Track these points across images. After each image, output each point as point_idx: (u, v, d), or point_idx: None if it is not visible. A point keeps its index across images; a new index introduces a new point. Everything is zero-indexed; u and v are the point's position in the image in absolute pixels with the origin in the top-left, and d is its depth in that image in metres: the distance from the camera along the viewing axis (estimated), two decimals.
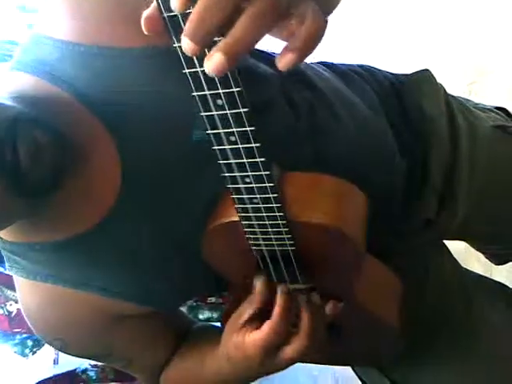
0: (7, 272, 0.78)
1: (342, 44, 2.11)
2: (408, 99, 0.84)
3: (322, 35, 0.42)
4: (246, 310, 0.66)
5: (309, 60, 0.81)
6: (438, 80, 0.88)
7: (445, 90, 0.87)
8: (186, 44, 0.38)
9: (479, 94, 0.98)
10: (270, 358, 0.66)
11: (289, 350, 0.65)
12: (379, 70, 0.88)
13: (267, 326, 0.64)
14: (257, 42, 0.40)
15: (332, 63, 0.85)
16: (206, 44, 0.39)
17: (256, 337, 0.65)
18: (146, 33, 0.42)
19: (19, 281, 0.75)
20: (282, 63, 0.41)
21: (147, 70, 0.64)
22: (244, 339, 0.66)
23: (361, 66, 0.87)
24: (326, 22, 0.43)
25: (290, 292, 0.65)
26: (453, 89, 0.91)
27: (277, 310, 0.64)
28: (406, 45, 2.09)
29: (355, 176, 0.62)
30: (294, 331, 0.65)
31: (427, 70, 0.88)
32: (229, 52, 0.38)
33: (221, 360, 0.71)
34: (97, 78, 0.65)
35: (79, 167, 0.66)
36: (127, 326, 0.77)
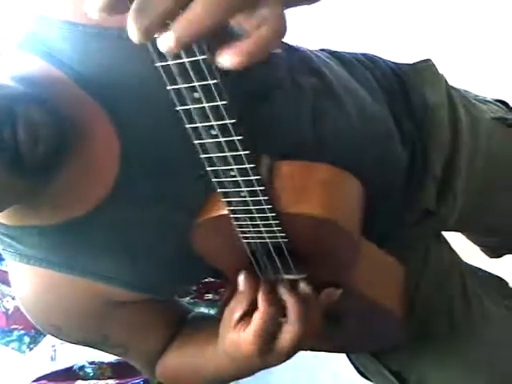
0: (4, 268, 0.77)
1: (345, 32, 2.12)
2: (410, 88, 0.84)
3: (277, 44, 0.39)
4: (237, 308, 0.66)
5: (312, 47, 0.81)
6: (440, 70, 0.88)
7: (446, 81, 0.87)
8: (131, 33, 0.37)
9: (480, 86, 0.98)
10: (267, 351, 0.66)
11: (282, 340, 0.65)
12: (382, 59, 0.88)
13: (255, 320, 0.64)
14: (211, 28, 0.36)
15: (335, 51, 0.85)
16: (150, 35, 0.37)
17: (248, 332, 0.64)
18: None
19: (13, 266, 0.75)
20: (225, 62, 0.38)
21: (145, 51, 0.63)
22: (239, 336, 0.66)
23: (363, 55, 0.86)
24: (286, 29, 0.39)
25: (271, 281, 0.64)
26: (454, 80, 0.91)
27: (260, 300, 0.63)
28: (408, 34, 2.09)
29: (355, 162, 0.62)
30: (285, 321, 0.64)
31: (429, 59, 0.88)
32: (180, 33, 0.36)
33: (220, 354, 0.71)
34: (95, 58, 0.64)
35: (78, 150, 0.65)
36: (123, 313, 0.76)
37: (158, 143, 0.65)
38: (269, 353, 0.66)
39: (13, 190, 0.62)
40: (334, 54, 0.83)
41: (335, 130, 0.72)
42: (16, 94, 0.60)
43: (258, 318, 0.63)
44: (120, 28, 0.63)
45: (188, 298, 1.77)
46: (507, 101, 0.96)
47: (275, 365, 0.69)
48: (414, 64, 0.89)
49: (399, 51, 1.30)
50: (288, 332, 0.64)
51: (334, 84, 0.74)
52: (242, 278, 0.66)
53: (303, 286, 0.65)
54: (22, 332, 1.74)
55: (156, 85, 0.63)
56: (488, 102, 0.93)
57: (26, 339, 1.75)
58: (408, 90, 0.84)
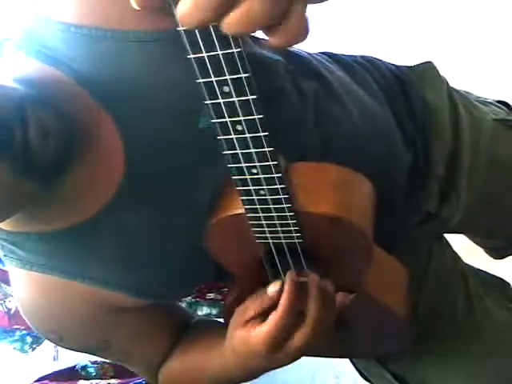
0: (5, 268, 0.76)
1: (345, 35, 2.12)
2: (411, 90, 0.84)
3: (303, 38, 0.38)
4: (253, 307, 0.65)
5: (312, 51, 0.81)
6: (441, 72, 0.88)
7: (447, 83, 0.87)
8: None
9: (481, 88, 0.99)
10: (276, 351, 0.65)
11: (294, 341, 0.65)
12: (381, 61, 0.88)
13: (272, 319, 0.63)
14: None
15: (334, 54, 0.85)
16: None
17: (261, 330, 0.64)
18: (136, 7, 0.37)
19: (14, 271, 0.74)
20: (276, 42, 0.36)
21: (149, 54, 0.63)
22: (249, 333, 0.65)
23: (363, 57, 0.87)
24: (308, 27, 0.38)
25: (297, 285, 0.63)
26: (455, 81, 0.91)
27: (283, 304, 0.63)
28: (409, 36, 2.09)
29: (359, 164, 0.62)
30: (300, 320, 0.64)
31: (430, 62, 0.89)
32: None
33: (226, 353, 0.71)
34: (97, 60, 0.64)
35: (84, 151, 0.64)
36: (125, 319, 0.76)
37: (164, 146, 0.65)
38: (276, 353, 0.65)
39: (19, 194, 0.61)
40: (333, 57, 0.83)
41: (338, 129, 0.72)
42: (22, 95, 0.60)
43: (274, 320, 0.63)
44: (114, 30, 0.63)
45: (190, 298, 1.76)
46: (508, 101, 0.96)
47: (281, 365, 0.69)
48: (414, 66, 0.89)
49: (400, 53, 1.31)
50: (301, 334, 0.64)
51: (334, 86, 0.74)
52: (273, 287, 0.65)
53: (328, 285, 0.64)
54: (25, 332, 1.74)
55: (161, 88, 0.64)
56: (489, 103, 0.93)
57: (29, 339, 1.75)
58: (408, 91, 0.84)
